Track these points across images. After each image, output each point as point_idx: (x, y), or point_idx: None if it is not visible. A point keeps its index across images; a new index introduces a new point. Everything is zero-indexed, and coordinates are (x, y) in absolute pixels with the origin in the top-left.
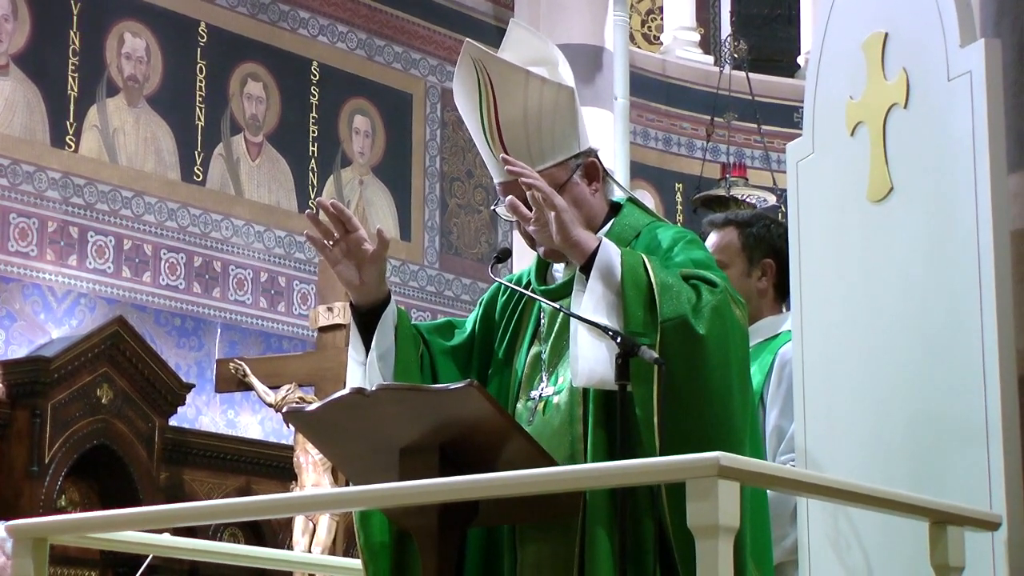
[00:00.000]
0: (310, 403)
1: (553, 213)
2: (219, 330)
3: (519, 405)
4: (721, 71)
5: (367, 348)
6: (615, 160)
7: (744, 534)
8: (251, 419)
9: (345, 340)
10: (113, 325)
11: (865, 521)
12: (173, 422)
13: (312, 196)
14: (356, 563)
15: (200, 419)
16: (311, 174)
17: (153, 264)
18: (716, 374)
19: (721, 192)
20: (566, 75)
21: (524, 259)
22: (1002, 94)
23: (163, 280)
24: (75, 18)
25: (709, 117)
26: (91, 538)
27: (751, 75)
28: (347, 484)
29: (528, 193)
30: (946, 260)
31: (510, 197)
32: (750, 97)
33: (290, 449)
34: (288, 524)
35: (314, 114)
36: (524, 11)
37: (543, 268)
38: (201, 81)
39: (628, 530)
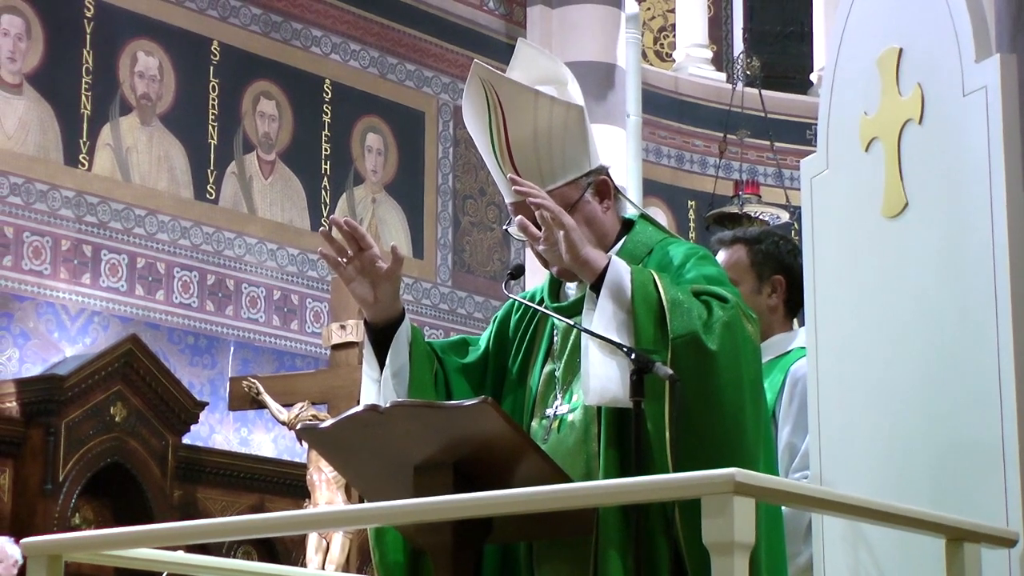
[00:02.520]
0: (324, 420)
1: (562, 232)
2: (232, 348)
3: (534, 423)
4: (734, 88)
5: (381, 365)
6: (628, 177)
7: (759, 551)
8: (264, 437)
9: (358, 358)
10: (126, 343)
11: (881, 538)
12: (186, 440)
13: (325, 214)
14: None
15: (213, 437)
16: (324, 192)
17: (166, 282)
18: (728, 390)
19: (734, 209)
20: (575, 93)
21: (537, 276)
22: (1018, 109)
23: (176, 298)
24: (88, 37)
25: (722, 134)
26: (105, 555)
27: (764, 92)
28: (361, 502)
29: (537, 213)
30: (961, 276)
31: (520, 217)
32: (763, 114)
33: (303, 467)
34: (301, 542)
35: (327, 132)
36: (536, 29)
37: (556, 286)
38: (214, 99)
39: (642, 549)
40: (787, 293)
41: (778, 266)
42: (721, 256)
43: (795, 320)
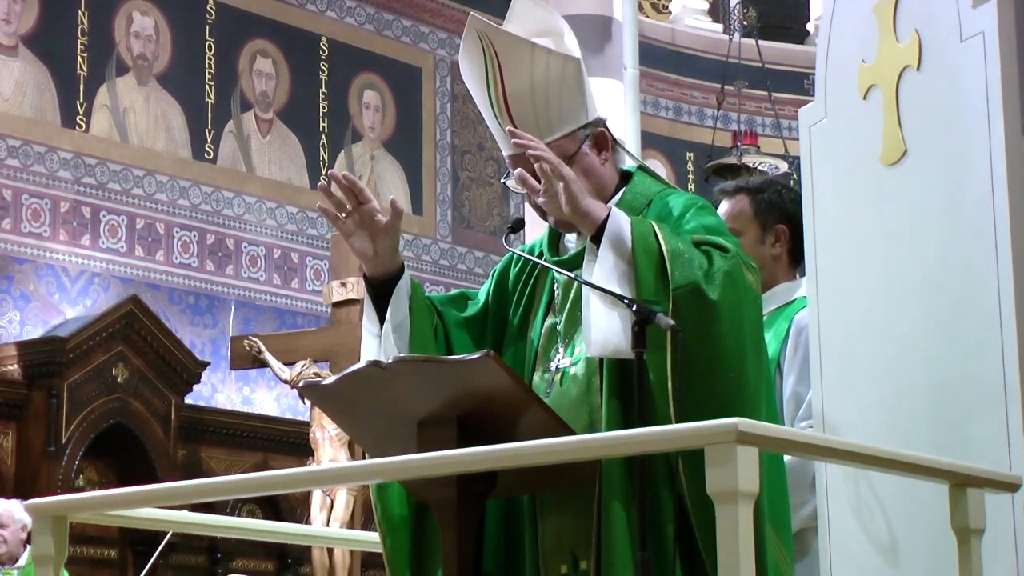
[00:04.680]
0: (326, 378)
1: (561, 184)
2: (233, 307)
3: (536, 377)
4: (730, 39)
5: (381, 320)
6: (626, 130)
7: (762, 500)
8: (267, 396)
9: (359, 315)
10: (127, 304)
11: (885, 485)
12: (189, 400)
13: (323, 172)
14: (374, 537)
15: (216, 396)
16: (322, 150)
17: (166, 242)
18: (729, 340)
19: (733, 160)
20: (572, 45)
21: (537, 229)
22: (1015, 54)
23: (176, 258)
24: None
25: (719, 85)
26: (110, 516)
27: (761, 42)
28: (364, 458)
29: (536, 165)
30: (961, 222)
31: (519, 170)
32: (760, 64)
33: (306, 425)
34: (306, 500)
35: (324, 90)
36: None
37: (555, 239)
38: (210, 59)
39: (646, 499)
40: (791, 242)
41: (781, 215)
42: (724, 206)
43: (799, 269)
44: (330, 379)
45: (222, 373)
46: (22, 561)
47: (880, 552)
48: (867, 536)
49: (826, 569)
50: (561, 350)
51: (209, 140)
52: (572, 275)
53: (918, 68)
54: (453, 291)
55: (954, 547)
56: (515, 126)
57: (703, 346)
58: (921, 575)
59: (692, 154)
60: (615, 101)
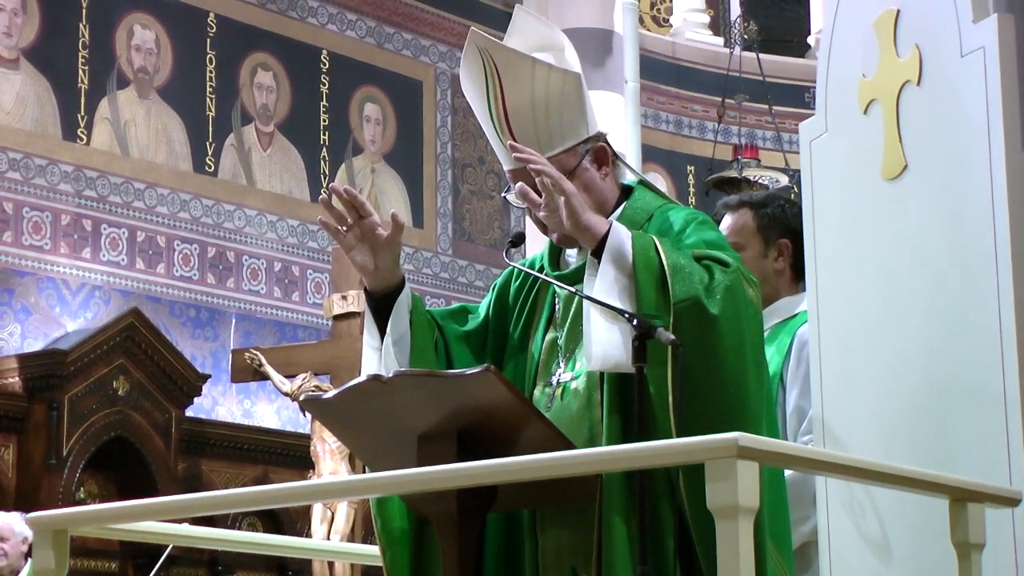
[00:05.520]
0: (326, 391)
1: (563, 198)
2: (234, 320)
3: (536, 391)
4: (731, 52)
5: (382, 334)
6: (626, 144)
7: (762, 515)
8: (267, 408)
9: (360, 328)
10: (128, 317)
11: (885, 497)
12: (190, 413)
13: (324, 185)
14: (374, 550)
15: (216, 409)
16: (323, 163)
17: (167, 255)
18: (730, 354)
19: (733, 174)
20: (572, 60)
21: (538, 244)
22: (1016, 69)
23: (177, 271)
24: (84, 11)
25: (720, 99)
26: (112, 529)
27: (761, 56)
28: (364, 471)
29: (537, 179)
30: (962, 236)
31: (520, 184)
32: (761, 78)
33: (307, 438)
34: (306, 513)
35: (325, 103)
36: None
37: (556, 253)
38: (211, 72)
39: (646, 514)
40: (793, 256)
41: (784, 230)
42: (727, 220)
43: (802, 284)
44: (331, 392)
45: (223, 386)
46: (23, 574)
47: (880, 564)
48: (867, 548)
49: None
50: (562, 364)
51: (210, 153)
52: (573, 289)
53: (918, 83)
54: (454, 305)
55: (954, 560)
56: (516, 141)
57: (704, 360)
58: None
59: (693, 167)
60: (616, 114)
